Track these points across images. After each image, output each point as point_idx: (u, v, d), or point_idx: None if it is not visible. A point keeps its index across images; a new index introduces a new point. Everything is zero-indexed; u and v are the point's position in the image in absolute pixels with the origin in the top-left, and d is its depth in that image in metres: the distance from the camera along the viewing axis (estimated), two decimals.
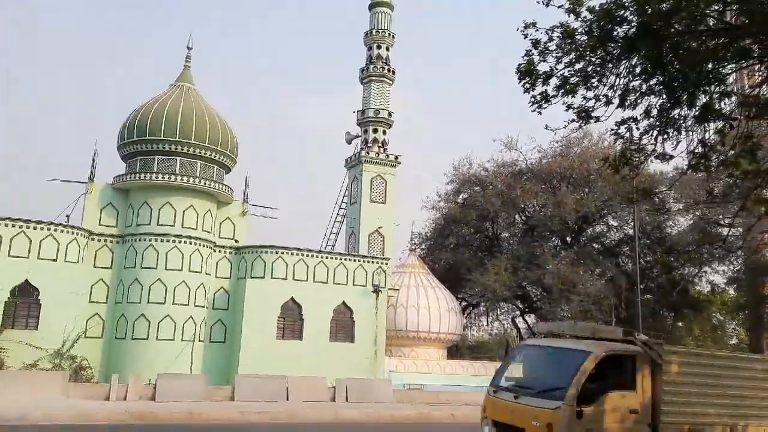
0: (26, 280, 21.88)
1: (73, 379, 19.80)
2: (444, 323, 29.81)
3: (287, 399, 18.47)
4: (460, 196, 37.47)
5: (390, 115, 32.65)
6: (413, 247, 34.41)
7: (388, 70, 32.80)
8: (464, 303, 37.43)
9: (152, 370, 20.85)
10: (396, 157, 31.91)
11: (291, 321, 25.64)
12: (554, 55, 8.13)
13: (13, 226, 22.11)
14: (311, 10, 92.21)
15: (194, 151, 25.44)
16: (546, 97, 8.41)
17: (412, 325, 29.30)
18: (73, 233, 23.31)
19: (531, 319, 39.86)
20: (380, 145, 32.06)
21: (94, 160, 25.17)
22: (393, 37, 33.33)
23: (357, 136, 32.93)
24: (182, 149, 25.27)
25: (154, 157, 25.33)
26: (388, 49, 33.11)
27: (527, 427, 8.34)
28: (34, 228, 22.44)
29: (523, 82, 8.35)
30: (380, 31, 32.99)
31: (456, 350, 33.87)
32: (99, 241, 24.52)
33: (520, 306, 37.77)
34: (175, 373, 21.19)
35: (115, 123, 32.85)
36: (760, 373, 9.87)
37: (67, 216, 24.54)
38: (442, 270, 34.91)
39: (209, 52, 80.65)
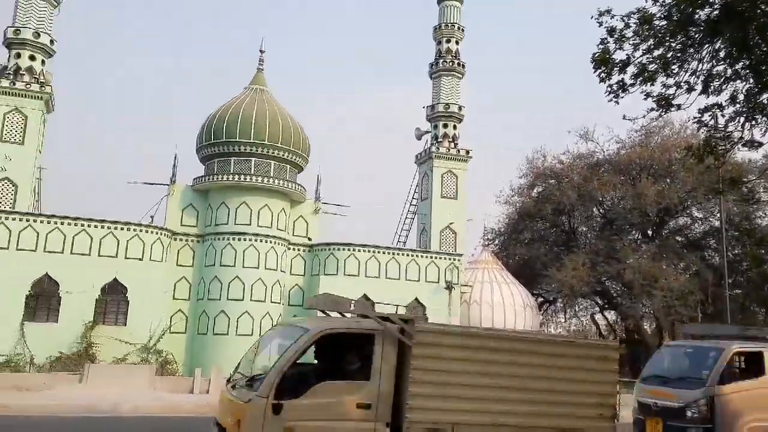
0: (115, 279, 22.95)
1: (159, 373, 20.76)
2: (519, 320, 29.28)
3: None
4: (535, 190, 36.62)
5: (460, 109, 32.29)
6: (486, 243, 33.89)
7: (458, 64, 32.45)
8: (540, 299, 36.68)
9: (232, 364, 21.21)
10: (467, 152, 31.56)
11: None
12: (631, 42, 7.86)
13: (103, 227, 23.28)
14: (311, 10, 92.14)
15: (268, 152, 26.10)
16: (623, 86, 8.15)
17: (486, 321, 28.88)
18: (157, 233, 24.36)
19: (611, 315, 38.65)
20: (450, 140, 31.78)
21: (175, 163, 26.26)
22: (462, 30, 32.98)
23: (427, 132, 32.76)
24: (257, 150, 25.98)
25: (230, 158, 26.16)
26: (457, 42, 32.77)
27: (228, 427, 6.87)
28: (121, 229, 23.58)
29: (599, 71, 8.11)
30: (449, 24, 32.69)
31: None
32: (181, 240, 25.56)
33: (599, 302, 36.64)
34: None
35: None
36: (565, 359, 7.59)
37: (152, 217, 25.80)
38: (516, 266, 34.27)
39: (210, 52, 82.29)
